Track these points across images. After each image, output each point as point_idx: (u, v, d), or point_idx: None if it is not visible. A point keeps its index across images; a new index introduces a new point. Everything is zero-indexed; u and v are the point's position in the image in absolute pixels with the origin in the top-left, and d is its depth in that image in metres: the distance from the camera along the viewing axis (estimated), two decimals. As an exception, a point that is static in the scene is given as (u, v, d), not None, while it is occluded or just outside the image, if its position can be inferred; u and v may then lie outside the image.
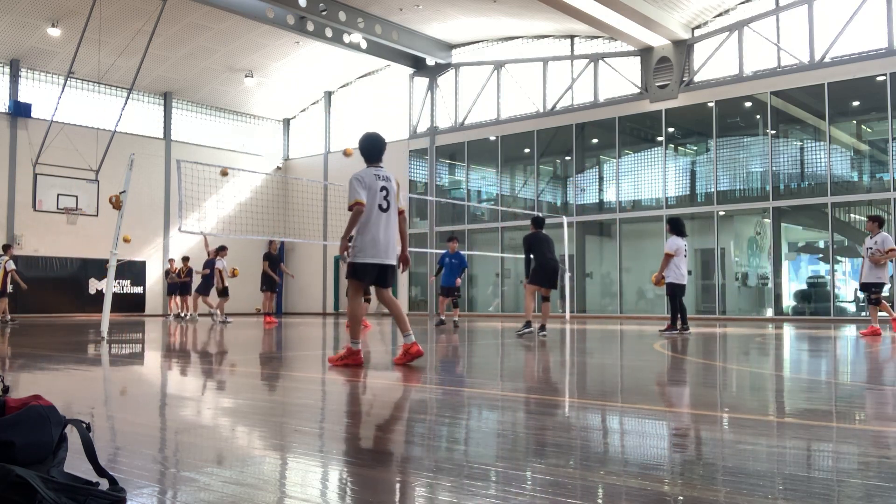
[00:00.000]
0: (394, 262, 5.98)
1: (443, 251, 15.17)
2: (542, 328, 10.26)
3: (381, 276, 5.95)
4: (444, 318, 14.49)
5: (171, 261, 21.62)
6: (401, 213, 6.07)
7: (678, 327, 11.05)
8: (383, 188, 5.88)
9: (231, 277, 17.36)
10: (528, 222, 11.45)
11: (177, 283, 20.31)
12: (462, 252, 15.05)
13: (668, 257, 11.17)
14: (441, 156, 25.11)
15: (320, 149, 28.21)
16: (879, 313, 10.98)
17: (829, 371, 6.22)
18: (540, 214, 13.77)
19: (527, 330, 10.22)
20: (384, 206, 5.85)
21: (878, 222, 10.83)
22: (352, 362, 5.90)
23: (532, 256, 10.43)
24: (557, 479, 2.34)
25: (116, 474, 2.20)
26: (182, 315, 19.84)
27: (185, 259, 20.53)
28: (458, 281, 14.59)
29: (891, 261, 10.84)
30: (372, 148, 6.04)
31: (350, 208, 5.82)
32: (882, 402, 4.32)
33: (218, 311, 17.06)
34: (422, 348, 6.02)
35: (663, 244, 20.38)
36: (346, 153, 11.60)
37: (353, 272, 5.96)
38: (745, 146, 19.99)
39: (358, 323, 6.09)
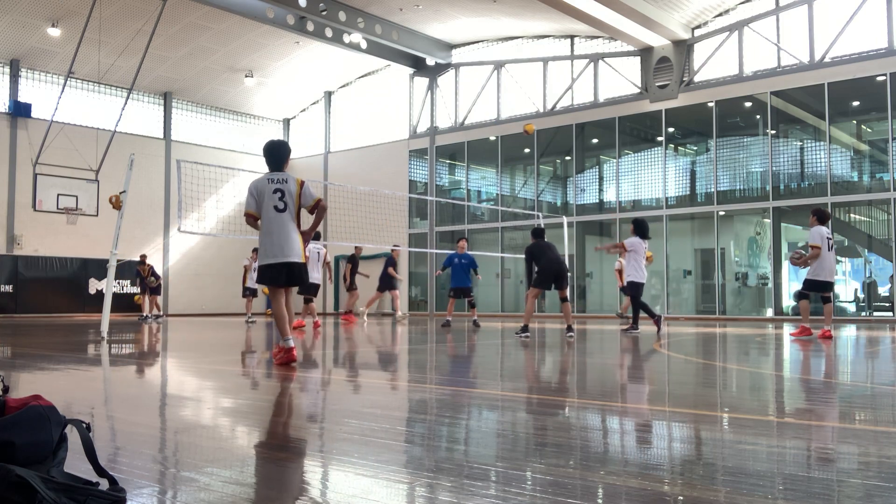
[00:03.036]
0: (296, 260, 6.05)
1: (450, 252, 15.17)
2: (569, 329, 10.13)
3: (290, 277, 6.06)
4: (450, 318, 14.29)
5: (142, 256, 20.73)
6: (318, 202, 6.20)
7: (640, 326, 11.27)
8: (277, 190, 6.04)
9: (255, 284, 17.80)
10: (529, 222, 11.49)
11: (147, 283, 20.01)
12: (469, 252, 14.96)
13: (622, 247, 11.45)
14: (441, 156, 25.11)
15: (320, 149, 28.21)
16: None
17: (829, 371, 6.22)
18: (540, 225, 13.69)
19: (524, 334, 10.07)
20: (280, 206, 6.02)
21: (815, 216, 10.01)
22: (286, 360, 5.99)
23: (534, 264, 10.33)
24: (557, 479, 2.34)
25: (116, 474, 2.20)
26: (147, 316, 19.71)
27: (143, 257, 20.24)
28: (479, 277, 14.69)
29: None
30: (268, 156, 6.32)
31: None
32: (882, 402, 4.32)
33: (247, 312, 17.72)
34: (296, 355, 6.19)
35: (664, 245, 20.43)
36: (527, 131, 12.40)
37: (259, 276, 6.17)
38: (745, 146, 19.99)
39: (283, 320, 6.17)
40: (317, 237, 13.91)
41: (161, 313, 20.17)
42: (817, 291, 9.98)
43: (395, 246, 17.19)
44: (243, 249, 26.95)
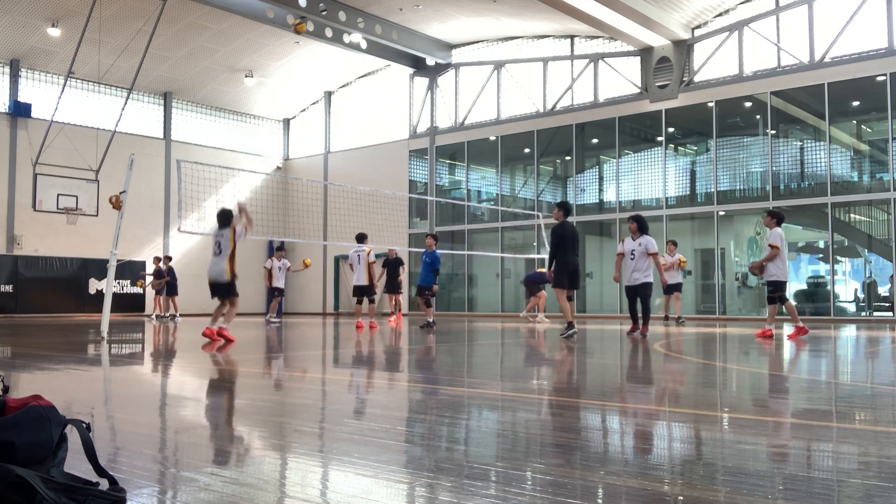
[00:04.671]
0: (222, 281, 9.45)
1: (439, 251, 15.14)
2: (570, 326, 9.90)
3: (217, 291, 9.57)
4: (430, 320, 14.04)
5: (166, 258, 21.09)
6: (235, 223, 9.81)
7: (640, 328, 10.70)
8: (216, 242, 9.61)
9: (304, 268, 18.09)
10: (529, 222, 11.34)
11: (163, 285, 20.14)
12: (438, 251, 14.61)
13: (655, 256, 10.79)
14: (441, 156, 25.10)
15: (320, 149, 28.21)
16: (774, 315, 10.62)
17: (829, 371, 6.22)
18: (567, 200, 13.04)
19: (571, 331, 9.72)
20: (216, 251, 9.56)
21: (774, 218, 10.41)
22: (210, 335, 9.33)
23: (556, 253, 9.95)
24: (557, 479, 2.34)
25: (116, 474, 2.20)
26: (165, 315, 19.87)
27: (168, 258, 20.51)
28: (435, 288, 14.45)
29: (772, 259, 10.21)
30: (218, 219, 9.71)
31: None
32: (882, 403, 4.32)
33: (271, 312, 17.81)
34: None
35: (663, 244, 20.39)
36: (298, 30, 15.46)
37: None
38: (745, 146, 19.98)
39: (218, 313, 9.60)
40: (361, 240, 13.97)
41: (163, 313, 20.24)
42: (781, 291, 10.35)
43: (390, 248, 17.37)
44: (243, 249, 26.91)
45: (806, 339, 9.79)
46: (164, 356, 8.00)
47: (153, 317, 20.04)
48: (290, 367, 6.57)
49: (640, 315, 10.91)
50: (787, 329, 11.14)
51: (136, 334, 12.16)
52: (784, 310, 10.51)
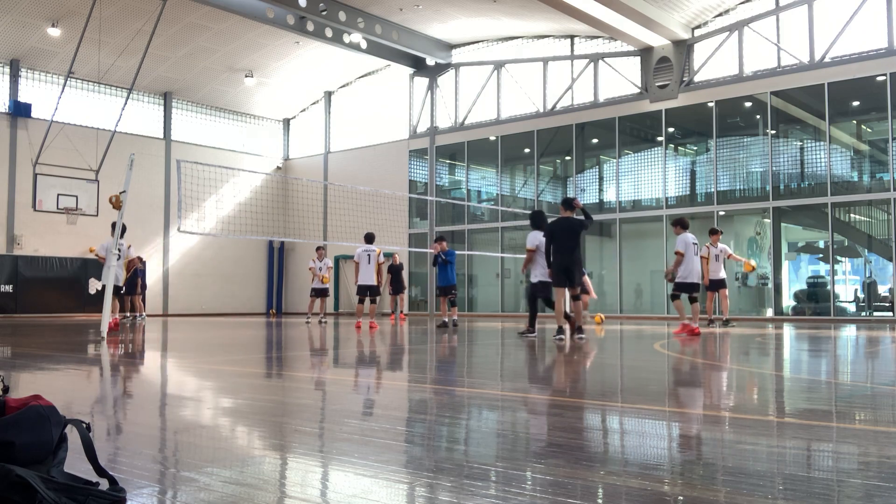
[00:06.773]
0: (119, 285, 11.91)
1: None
2: (579, 330, 9.36)
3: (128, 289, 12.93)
4: (446, 319, 14.09)
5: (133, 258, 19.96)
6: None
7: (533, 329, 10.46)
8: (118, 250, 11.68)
9: (322, 284, 17.81)
10: (528, 222, 11.24)
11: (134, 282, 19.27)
12: (453, 250, 14.86)
13: (532, 253, 10.46)
14: (441, 156, 25.09)
15: (320, 149, 28.20)
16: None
17: (829, 371, 6.22)
18: (567, 196, 12.52)
19: (559, 336, 9.34)
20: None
21: (677, 224, 11.28)
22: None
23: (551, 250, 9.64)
24: (557, 479, 2.34)
25: (116, 474, 2.20)
26: (128, 317, 19.05)
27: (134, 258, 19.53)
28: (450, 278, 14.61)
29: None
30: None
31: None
32: (882, 402, 4.32)
33: (308, 312, 17.74)
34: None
35: (663, 244, 20.39)
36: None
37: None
38: (745, 146, 19.98)
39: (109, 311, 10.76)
40: (370, 240, 14.09)
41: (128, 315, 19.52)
42: (686, 292, 10.94)
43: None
44: (243, 249, 26.97)
45: (812, 338, 9.77)
46: (164, 356, 8.00)
47: (141, 317, 18.88)
48: (291, 367, 6.57)
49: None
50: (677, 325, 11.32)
51: (135, 334, 12.16)
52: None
